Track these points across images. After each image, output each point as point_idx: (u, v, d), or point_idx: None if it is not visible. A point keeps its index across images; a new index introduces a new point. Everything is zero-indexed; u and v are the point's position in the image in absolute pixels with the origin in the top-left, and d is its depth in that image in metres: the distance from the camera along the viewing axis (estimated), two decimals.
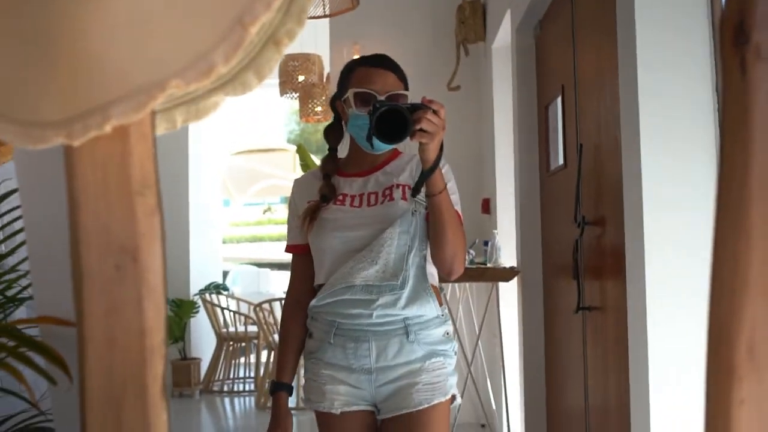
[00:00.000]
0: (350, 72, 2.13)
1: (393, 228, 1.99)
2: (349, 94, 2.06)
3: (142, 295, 0.93)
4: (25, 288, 2.67)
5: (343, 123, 2.18)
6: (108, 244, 0.91)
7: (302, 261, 2.17)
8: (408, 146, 2.00)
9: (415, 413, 2.00)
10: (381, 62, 2.11)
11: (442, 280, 2.13)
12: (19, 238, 2.71)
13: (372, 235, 2.01)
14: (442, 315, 2.07)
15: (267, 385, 2.07)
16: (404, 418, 2.00)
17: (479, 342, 4.55)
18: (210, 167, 8.11)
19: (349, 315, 2.01)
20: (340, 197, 2.10)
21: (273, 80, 6.65)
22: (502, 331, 4.43)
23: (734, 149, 0.93)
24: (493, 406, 4.81)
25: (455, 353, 2.11)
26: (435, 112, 1.84)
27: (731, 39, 0.91)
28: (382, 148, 2.04)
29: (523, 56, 4.14)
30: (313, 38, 6.22)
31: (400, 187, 2.06)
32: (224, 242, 11.40)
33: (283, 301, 2.26)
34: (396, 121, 1.85)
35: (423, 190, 1.96)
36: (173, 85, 0.68)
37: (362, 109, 2.03)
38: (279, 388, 2.12)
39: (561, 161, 3.44)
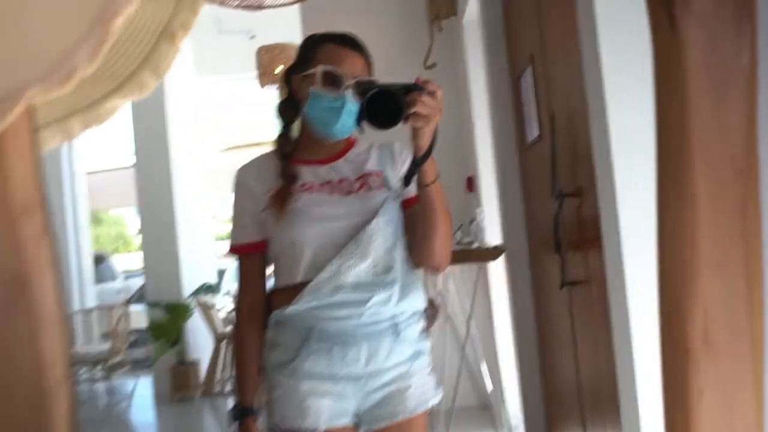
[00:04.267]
0: (318, 45, 1.93)
1: (378, 219, 1.83)
2: (318, 70, 1.86)
3: (37, 327, 0.84)
4: None
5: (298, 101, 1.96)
6: None
7: (256, 261, 1.96)
8: (366, 134, 1.89)
9: (409, 420, 1.86)
10: (352, 43, 1.93)
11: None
12: None
13: (356, 226, 1.83)
14: (422, 310, 1.95)
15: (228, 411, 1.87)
16: (398, 426, 1.86)
17: (471, 323, 4.48)
18: (196, 166, 8.02)
19: (335, 318, 1.81)
20: (306, 184, 1.89)
21: (253, 73, 6.60)
22: (493, 311, 4.37)
23: (670, 113, 0.82)
24: (491, 387, 4.76)
25: (430, 352, 1.98)
26: (431, 94, 1.68)
27: None
28: (342, 134, 1.88)
29: (491, 28, 4.05)
30: (286, 27, 6.15)
31: (373, 175, 1.92)
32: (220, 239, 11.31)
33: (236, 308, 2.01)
34: (388, 103, 1.68)
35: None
36: (31, 95, 0.60)
37: (329, 89, 1.84)
38: (247, 413, 1.88)
39: (536, 133, 3.36)
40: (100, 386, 8.46)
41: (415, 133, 1.70)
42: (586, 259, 2.77)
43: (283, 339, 1.86)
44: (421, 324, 1.93)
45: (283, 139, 1.98)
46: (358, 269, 1.80)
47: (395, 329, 1.84)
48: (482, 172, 4.79)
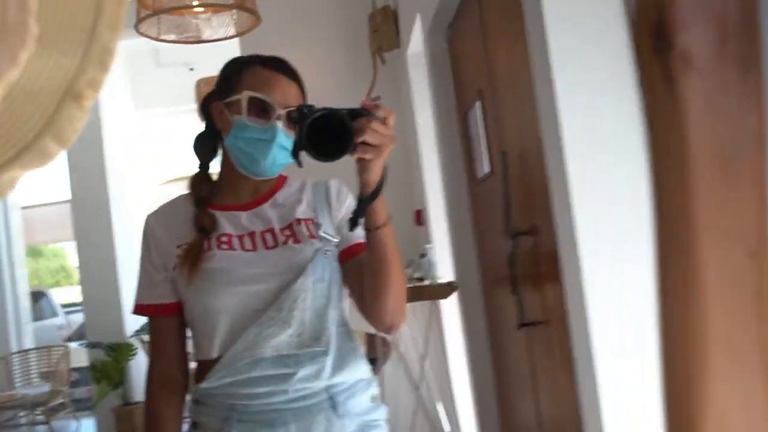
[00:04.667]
0: (244, 69, 1.65)
1: (305, 277, 1.54)
2: (243, 96, 1.58)
3: None
4: None
5: (222, 133, 1.67)
6: None
7: (171, 325, 1.64)
8: (294, 170, 1.58)
9: None
10: (284, 68, 1.67)
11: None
12: None
13: (278, 287, 1.55)
14: (369, 377, 1.67)
15: None
16: None
17: (426, 362, 4.37)
18: (136, 201, 7.81)
19: (256, 395, 1.54)
20: (224, 238, 1.61)
21: (193, 106, 6.46)
22: (448, 349, 4.26)
23: (669, 182, 0.68)
24: (448, 429, 4.65)
25: (387, 421, 1.69)
26: (381, 120, 1.39)
27: (650, 44, 0.68)
28: (271, 172, 1.62)
29: (436, 61, 3.97)
30: (226, 59, 6.00)
31: (303, 223, 1.63)
32: None
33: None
34: (334, 129, 1.39)
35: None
36: None
37: (255, 119, 1.58)
38: None
39: (487, 169, 3.27)
40: (41, 429, 8.15)
41: (363, 167, 1.41)
42: (544, 298, 2.68)
43: (203, 419, 1.61)
44: (372, 390, 1.66)
45: (198, 180, 1.71)
46: (278, 339, 1.53)
47: (332, 402, 1.57)
48: (431, 206, 4.69)
